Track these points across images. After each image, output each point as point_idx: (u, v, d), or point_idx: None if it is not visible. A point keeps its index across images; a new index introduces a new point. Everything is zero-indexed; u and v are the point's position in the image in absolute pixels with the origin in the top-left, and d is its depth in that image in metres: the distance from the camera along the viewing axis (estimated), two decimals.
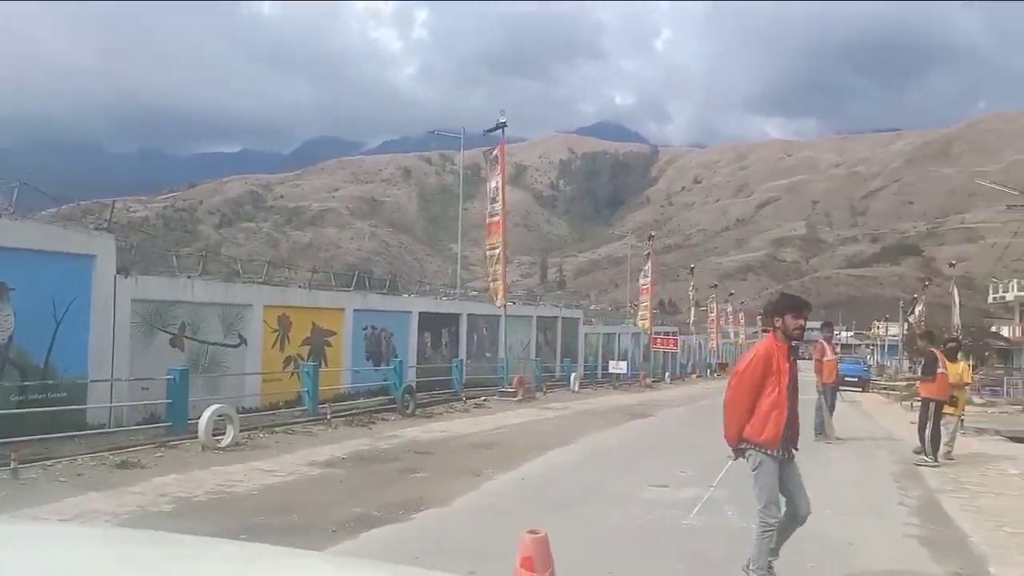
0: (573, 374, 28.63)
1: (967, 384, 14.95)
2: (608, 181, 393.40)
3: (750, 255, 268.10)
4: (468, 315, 25.89)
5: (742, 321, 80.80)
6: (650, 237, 41.82)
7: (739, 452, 5.26)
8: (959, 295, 51.95)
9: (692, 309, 55.56)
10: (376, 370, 20.52)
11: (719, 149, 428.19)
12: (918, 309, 54.17)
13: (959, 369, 13.09)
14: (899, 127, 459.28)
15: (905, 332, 55.74)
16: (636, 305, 62.52)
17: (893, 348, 65.13)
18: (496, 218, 22.84)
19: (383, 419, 16.01)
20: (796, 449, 5.29)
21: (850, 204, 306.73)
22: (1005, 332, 51.85)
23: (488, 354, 26.86)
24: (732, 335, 73.38)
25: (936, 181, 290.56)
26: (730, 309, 74.95)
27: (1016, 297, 51.93)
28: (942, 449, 12.27)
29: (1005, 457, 13.23)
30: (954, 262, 61.91)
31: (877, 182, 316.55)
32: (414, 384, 19.09)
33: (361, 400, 18.61)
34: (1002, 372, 38.81)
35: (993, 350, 46.19)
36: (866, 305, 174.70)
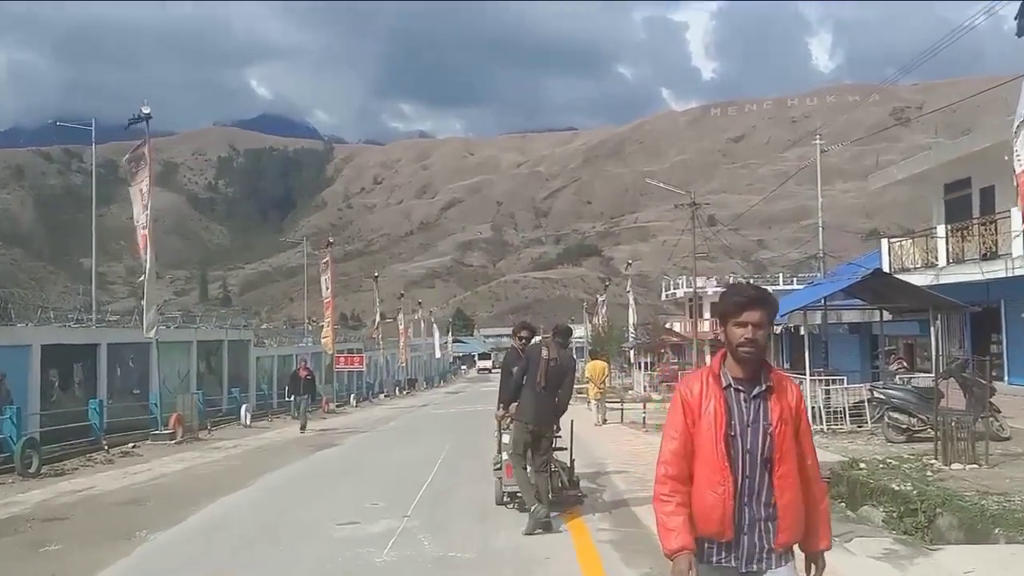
0: (244, 406, 27.64)
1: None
2: (277, 181, 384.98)
3: (436, 260, 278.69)
4: (109, 345, 23.76)
5: (435, 332, 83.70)
6: (328, 244, 41.46)
7: None
8: (636, 293, 58.61)
9: (378, 322, 56.28)
10: None
11: (400, 146, 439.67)
12: (603, 310, 60.03)
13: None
14: (575, 126, 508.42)
15: (591, 334, 61.40)
16: (315, 321, 61.73)
17: (580, 351, 71.56)
18: (145, 230, 21.30)
19: None
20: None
21: (533, 205, 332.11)
22: (678, 328, 59.69)
23: (137, 390, 24.89)
24: (424, 347, 75.66)
25: (611, 180, 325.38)
26: (418, 319, 77.27)
27: (685, 293, 60.15)
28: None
29: None
30: (630, 261, 69.83)
31: (557, 182, 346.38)
32: (38, 436, 17.06)
33: None
34: (677, 367, 44.41)
35: (668, 346, 52.71)
36: (553, 308, 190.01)
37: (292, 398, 25.62)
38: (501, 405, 9.37)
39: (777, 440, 3.29)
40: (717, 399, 3.31)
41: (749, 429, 3.29)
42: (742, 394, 3.32)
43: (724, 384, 3.33)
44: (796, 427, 3.37)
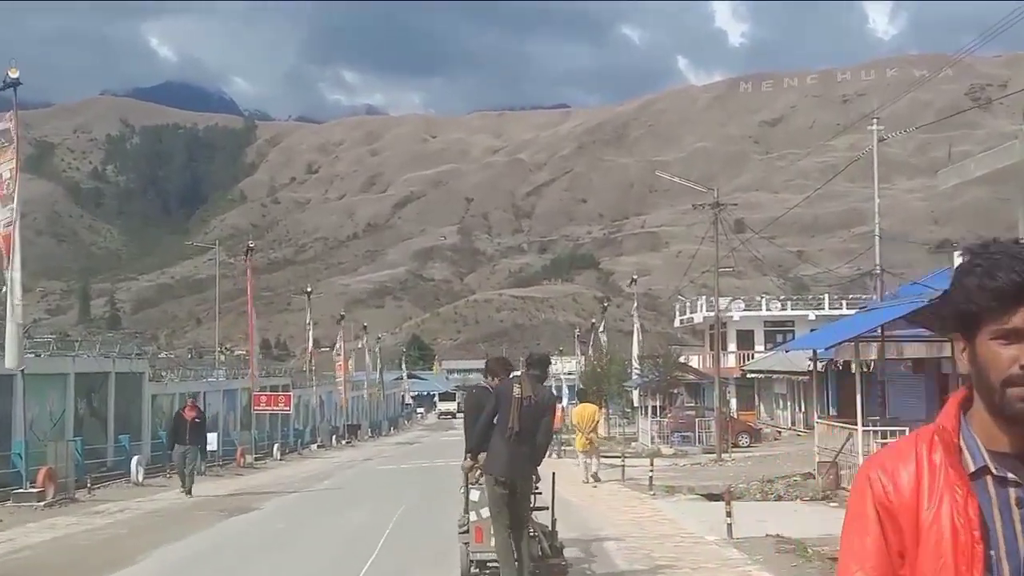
0: (136, 457, 27.43)
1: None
2: (183, 168, 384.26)
3: (387, 273, 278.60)
4: None
5: (379, 365, 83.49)
6: (248, 249, 41.29)
7: None
8: (642, 317, 58.86)
9: (311, 351, 56.13)
10: None
11: (342, 125, 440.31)
12: (600, 339, 60.21)
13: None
14: (568, 102, 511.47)
15: (583, 369, 61.53)
16: (229, 348, 61.40)
17: (571, 391, 71.62)
18: (9, 228, 21.17)
19: None
20: None
21: (512, 203, 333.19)
22: (695, 362, 59.72)
23: None
24: (370, 384, 75.42)
25: (611, 173, 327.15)
26: (363, 347, 77.08)
27: (705, 318, 60.18)
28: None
29: (701, 520, 15.24)
30: (636, 276, 70.20)
31: (544, 174, 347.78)
32: None
33: None
34: (694, 413, 44.52)
35: (682, 386, 52.85)
36: (536, 335, 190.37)
37: (174, 449, 23.45)
38: (468, 455, 9.55)
39: None
40: (957, 500, 1.81)
41: None
42: (1013, 490, 1.83)
43: (973, 467, 1.85)
44: None
